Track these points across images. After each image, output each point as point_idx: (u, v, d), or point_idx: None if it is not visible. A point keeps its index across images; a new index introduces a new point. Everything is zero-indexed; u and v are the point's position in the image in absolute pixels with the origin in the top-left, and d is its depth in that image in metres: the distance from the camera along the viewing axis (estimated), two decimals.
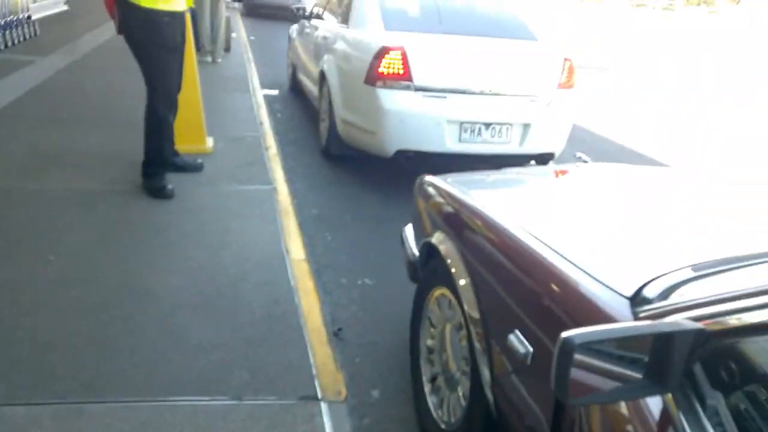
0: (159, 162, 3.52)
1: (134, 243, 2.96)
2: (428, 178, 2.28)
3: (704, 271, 1.20)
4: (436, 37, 4.17)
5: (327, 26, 5.24)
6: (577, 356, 0.88)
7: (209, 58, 7.56)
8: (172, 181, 3.53)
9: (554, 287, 1.38)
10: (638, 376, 0.93)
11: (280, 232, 3.16)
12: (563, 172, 2.46)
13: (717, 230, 1.55)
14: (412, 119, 3.96)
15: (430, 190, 2.18)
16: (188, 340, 2.25)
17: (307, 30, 6.02)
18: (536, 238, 1.53)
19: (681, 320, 0.99)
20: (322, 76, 4.85)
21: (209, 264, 2.82)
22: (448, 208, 1.99)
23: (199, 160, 3.94)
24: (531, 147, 4.16)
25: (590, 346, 0.90)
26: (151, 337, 2.25)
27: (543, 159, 4.32)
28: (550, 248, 1.47)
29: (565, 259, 1.41)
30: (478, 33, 4.32)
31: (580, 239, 1.55)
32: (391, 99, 3.93)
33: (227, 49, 8.42)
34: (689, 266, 1.23)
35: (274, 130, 5.59)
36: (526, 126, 4.08)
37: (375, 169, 4.50)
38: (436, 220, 2.05)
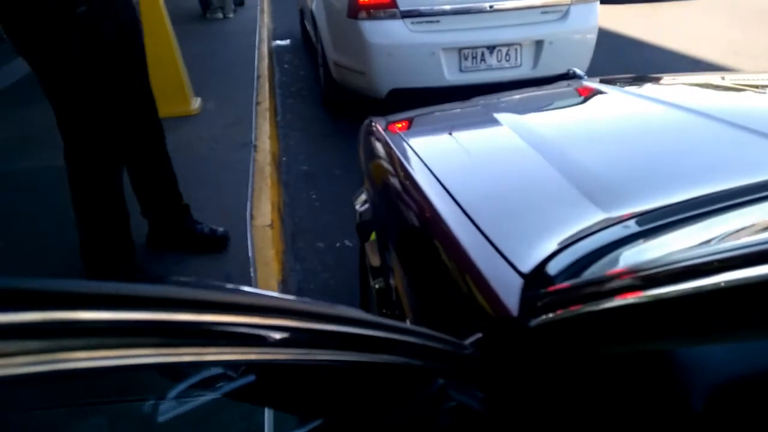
0: (112, 244, 2.14)
1: None
2: (373, 120, 1.86)
3: (627, 232, 0.77)
4: None
5: None
6: None
7: (219, 14, 7.22)
8: None
9: (452, 261, 0.98)
10: None
11: (248, 195, 2.84)
12: (533, 97, 1.95)
13: (687, 169, 1.06)
14: (402, 52, 3.47)
15: (369, 138, 1.76)
16: None
17: None
18: (451, 195, 1.11)
19: None
20: (313, 17, 4.40)
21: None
22: (375, 161, 1.59)
23: (221, 229, 2.45)
24: (548, 69, 3.56)
25: None
26: None
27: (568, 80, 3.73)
28: (461, 208, 1.05)
29: (473, 222, 1.00)
30: None
31: (504, 195, 1.12)
32: (375, 31, 3.46)
33: (240, 2, 8.03)
34: (605, 228, 0.80)
35: (278, 82, 5.25)
36: (539, 44, 3.49)
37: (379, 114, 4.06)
38: (365, 172, 1.66)
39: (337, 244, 2.71)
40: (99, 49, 1.92)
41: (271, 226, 2.62)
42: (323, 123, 4.22)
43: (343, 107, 4.25)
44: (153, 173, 2.29)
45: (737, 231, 0.74)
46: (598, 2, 3.59)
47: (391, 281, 1.26)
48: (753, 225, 0.75)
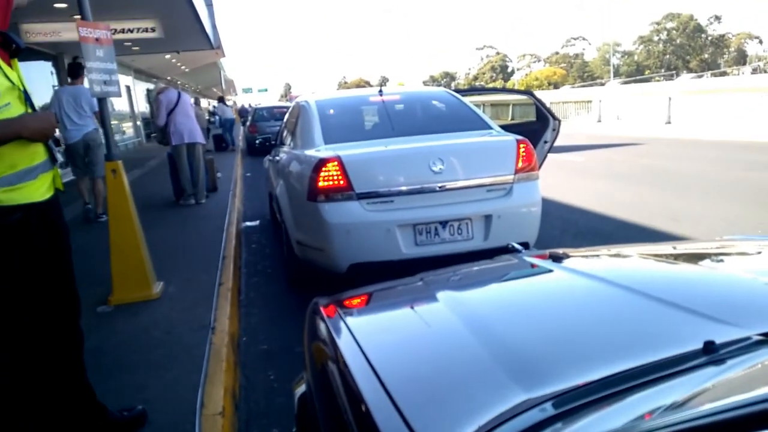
0: None
1: None
2: (318, 300, 1.87)
3: (543, 415, 0.77)
4: (376, 142, 3.96)
5: (284, 150, 5.14)
6: None
7: (192, 201, 7.57)
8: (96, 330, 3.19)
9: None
10: None
11: (201, 383, 2.73)
12: (472, 273, 2.00)
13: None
14: (359, 229, 3.63)
15: (313, 318, 1.77)
16: None
17: (276, 157, 5.97)
18: (380, 380, 1.10)
19: None
20: (277, 200, 4.65)
21: None
22: (315, 343, 1.58)
23: (140, 407, 2.44)
24: (499, 240, 3.74)
25: None
26: None
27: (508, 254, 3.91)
28: (388, 393, 1.04)
29: (398, 409, 0.98)
30: (424, 132, 4.10)
31: (431, 377, 1.12)
32: (334, 212, 3.64)
33: (213, 189, 8.48)
34: (523, 412, 0.81)
35: (244, 261, 5.35)
36: (488, 218, 3.70)
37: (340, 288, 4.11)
38: (306, 354, 1.63)
39: (294, 429, 2.55)
40: (32, 257, 1.91)
41: (222, 414, 2.49)
42: (286, 300, 4.24)
43: (305, 284, 4.30)
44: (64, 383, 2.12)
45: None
46: (539, 180, 3.90)
47: None
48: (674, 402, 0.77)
